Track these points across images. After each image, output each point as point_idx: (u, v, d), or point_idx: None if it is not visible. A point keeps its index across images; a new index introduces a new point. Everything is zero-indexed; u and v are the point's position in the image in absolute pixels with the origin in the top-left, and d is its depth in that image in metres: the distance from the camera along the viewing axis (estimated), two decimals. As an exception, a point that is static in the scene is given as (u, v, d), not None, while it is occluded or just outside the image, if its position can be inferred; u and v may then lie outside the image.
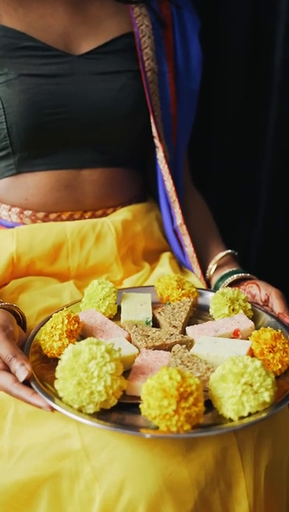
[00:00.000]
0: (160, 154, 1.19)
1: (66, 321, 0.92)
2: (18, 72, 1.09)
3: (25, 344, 0.93)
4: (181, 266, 1.26)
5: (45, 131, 1.12)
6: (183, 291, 1.06)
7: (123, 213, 1.22)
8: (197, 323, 1.00)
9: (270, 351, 0.89)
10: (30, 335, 0.95)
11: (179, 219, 1.20)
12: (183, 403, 0.76)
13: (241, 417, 0.80)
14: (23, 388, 0.82)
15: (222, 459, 0.81)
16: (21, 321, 0.99)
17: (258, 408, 0.80)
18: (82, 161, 1.17)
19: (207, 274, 1.19)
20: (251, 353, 0.90)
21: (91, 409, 0.80)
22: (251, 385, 0.80)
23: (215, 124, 1.62)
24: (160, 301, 1.09)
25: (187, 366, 0.87)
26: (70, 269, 1.17)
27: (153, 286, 1.10)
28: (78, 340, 0.95)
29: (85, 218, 1.20)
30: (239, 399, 0.79)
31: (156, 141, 1.19)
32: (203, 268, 1.21)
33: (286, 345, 0.90)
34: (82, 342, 0.83)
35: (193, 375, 0.84)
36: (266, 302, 1.07)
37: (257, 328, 0.99)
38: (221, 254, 1.19)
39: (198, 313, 1.06)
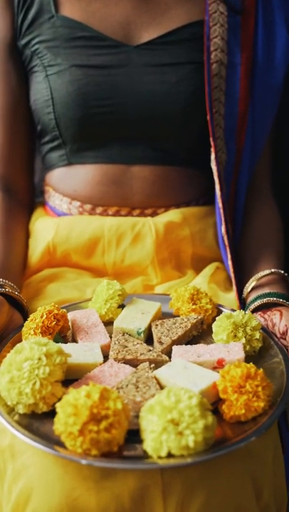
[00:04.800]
0: (212, 155, 1.09)
1: (45, 317, 0.90)
2: (70, 62, 1.09)
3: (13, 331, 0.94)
4: (230, 279, 1.14)
5: (92, 124, 1.11)
6: (193, 306, 0.97)
7: (172, 215, 1.15)
8: (198, 343, 0.90)
9: (235, 391, 0.77)
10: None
11: (222, 227, 1.09)
12: (91, 425, 0.70)
13: (170, 456, 0.70)
14: None
15: (139, 497, 0.72)
16: (23, 307, 1.00)
17: (180, 451, 0.70)
18: (133, 156, 1.13)
19: (244, 293, 1.06)
20: (216, 390, 0.78)
21: (21, 409, 0.78)
22: (177, 424, 0.70)
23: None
24: (174, 313, 1.01)
25: (137, 387, 0.79)
26: (106, 265, 1.14)
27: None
28: (63, 338, 0.95)
29: (133, 215, 1.16)
30: (158, 436, 0.70)
31: (211, 140, 1.09)
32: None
33: (259, 389, 0.77)
34: (32, 340, 0.81)
35: (126, 399, 0.76)
36: (284, 335, 0.92)
37: (259, 364, 0.86)
38: (265, 272, 1.04)
39: (207, 334, 0.96)
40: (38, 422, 0.78)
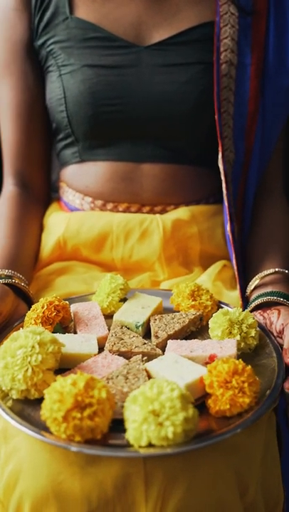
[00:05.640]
0: (219, 154, 1.10)
1: (45, 307, 0.93)
2: (82, 62, 1.12)
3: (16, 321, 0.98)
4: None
5: (103, 122, 1.13)
6: (193, 303, 0.98)
7: (180, 212, 1.16)
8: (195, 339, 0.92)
9: (221, 386, 0.78)
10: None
11: (228, 226, 1.10)
12: (75, 412, 0.72)
13: (151, 446, 0.72)
14: None
15: (122, 485, 0.74)
16: (30, 299, 1.03)
17: (160, 442, 0.71)
18: (143, 155, 1.15)
19: (247, 291, 1.06)
20: (203, 384, 0.80)
21: (14, 395, 0.81)
22: (158, 415, 0.72)
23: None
24: (175, 309, 1.02)
25: (127, 379, 0.81)
26: (115, 261, 1.17)
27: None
28: (64, 329, 0.97)
29: (143, 212, 1.18)
30: (139, 426, 0.72)
31: (218, 139, 1.10)
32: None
33: (245, 385, 0.77)
34: (28, 329, 0.84)
35: (114, 389, 0.79)
36: (280, 334, 0.92)
37: (253, 361, 0.87)
38: (269, 271, 1.04)
39: (205, 330, 0.97)
40: (30, 408, 0.80)
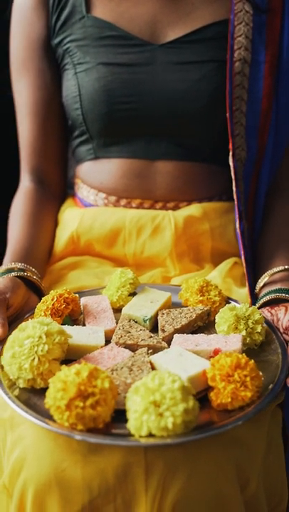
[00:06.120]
0: (230, 152, 1.10)
1: (55, 299, 0.95)
2: (97, 60, 1.14)
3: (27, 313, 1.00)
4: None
5: (117, 120, 1.15)
6: (201, 298, 0.99)
7: (192, 209, 1.17)
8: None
9: (223, 380, 0.78)
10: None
11: (237, 223, 1.10)
12: (78, 401, 0.74)
13: (152, 436, 0.73)
14: None
15: (123, 474, 0.75)
16: (42, 292, 1.05)
17: (159, 432, 0.73)
18: (157, 152, 1.16)
19: (256, 288, 1.07)
20: (205, 377, 0.80)
21: (21, 383, 0.83)
22: (158, 406, 0.73)
23: None
24: (183, 304, 1.03)
25: (131, 370, 0.83)
26: (127, 256, 1.18)
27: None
28: (74, 321, 0.99)
29: (156, 208, 1.19)
30: (140, 416, 0.73)
31: (229, 137, 1.10)
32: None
33: (247, 379, 0.78)
34: (36, 320, 0.86)
35: (118, 380, 0.80)
36: (287, 330, 0.92)
37: (258, 357, 0.88)
38: (278, 268, 1.05)
39: (212, 325, 0.97)
40: (36, 397, 0.82)
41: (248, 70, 1.11)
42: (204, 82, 1.12)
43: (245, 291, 1.10)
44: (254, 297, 1.07)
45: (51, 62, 1.22)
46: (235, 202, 1.10)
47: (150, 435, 0.74)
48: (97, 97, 1.14)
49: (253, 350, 0.92)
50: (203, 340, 0.89)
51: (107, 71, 1.13)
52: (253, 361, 0.81)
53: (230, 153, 1.10)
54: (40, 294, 1.06)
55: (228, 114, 1.10)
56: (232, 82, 1.10)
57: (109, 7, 1.16)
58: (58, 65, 1.22)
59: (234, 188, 1.10)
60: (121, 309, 1.01)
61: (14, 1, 1.22)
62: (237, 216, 1.10)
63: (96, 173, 1.22)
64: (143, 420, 0.73)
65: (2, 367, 0.86)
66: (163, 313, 0.97)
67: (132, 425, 0.74)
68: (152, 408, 0.72)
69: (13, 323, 0.98)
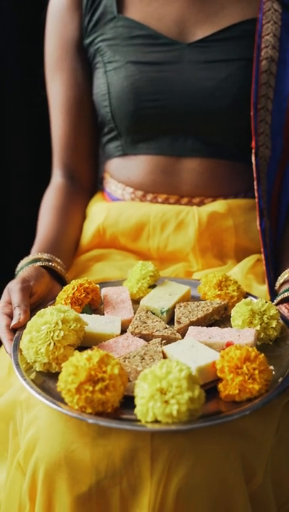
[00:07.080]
0: (253, 149, 1.11)
1: (76, 289, 0.98)
2: (126, 59, 1.17)
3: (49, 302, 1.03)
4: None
5: (144, 117, 1.17)
6: (219, 292, 1.00)
7: (217, 205, 1.19)
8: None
9: (231, 371, 0.80)
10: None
11: (257, 221, 1.11)
12: (87, 385, 0.77)
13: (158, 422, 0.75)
14: (6, 333, 0.93)
15: (129, 458, 0.78)
16: (64, 281, 1.09)
17: (165, 419, 0.74)
18: (182, 149, 1.18)
19: (276, 285, 1.07)
20: (215, 368, 0.82)
21: (37, 367, 0.86)
22: (165, 393, 0.75)
23: None
24: (202, 298, 1.04)
25: (143, 359, 0.85)
26: (151, 250, 1.20)
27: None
28: (94, 310, 1.02)
29: (181, 204, 1.21)
30: (146, 402, 0.75)
31: (252, 135, 1.11)
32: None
33: (256, 372, 0.79)
34: (54, 307, 0.89)
35: (129, 368, 0.82)
36: (302, 326, 0.93)
37: (272, 352, 0.88)
38: (299, 265, 1.05)
39: (229, 319, 0.98)
40: (52, 380, 0.85)
41: (275, 68, 1.12)
42: (231, 80, 1.13)
43: (265, 288, 1.10)
44: (273, 294, 1.08)
45: (83, 61, 1.25)
46: (256, 200, 1.11)
47: (157, 422, 0.76)
48: (125, 94, 1.17)
49: (267, 345, 0.92)
50: (217, 333, 0.90)
51: (135, 69, 1.16)
52: (263, 355, 0.81)
53: (253, 151, 1.11)
54: (64, 284, 1.09)
55: (252, 113, 1.11)
56: (258, 81, 1.11)
57: (139, 7, 1.18)
58: (89, 64, 1.25)
59: (255, 186, 1.11)
60: (140, 301, 1.03)
61: (49, 2, 1.26)
62: (258, 214, 1.11)
63: (124, 169, 1.25)
64: (149, 406, 0.75)
65: (21, 350, 0.89)
66: (180, 306, 0.99)
67: (138, 411, 0.76)
68: (158, 395, 0.74)
69: (35, 310, 1.01)
